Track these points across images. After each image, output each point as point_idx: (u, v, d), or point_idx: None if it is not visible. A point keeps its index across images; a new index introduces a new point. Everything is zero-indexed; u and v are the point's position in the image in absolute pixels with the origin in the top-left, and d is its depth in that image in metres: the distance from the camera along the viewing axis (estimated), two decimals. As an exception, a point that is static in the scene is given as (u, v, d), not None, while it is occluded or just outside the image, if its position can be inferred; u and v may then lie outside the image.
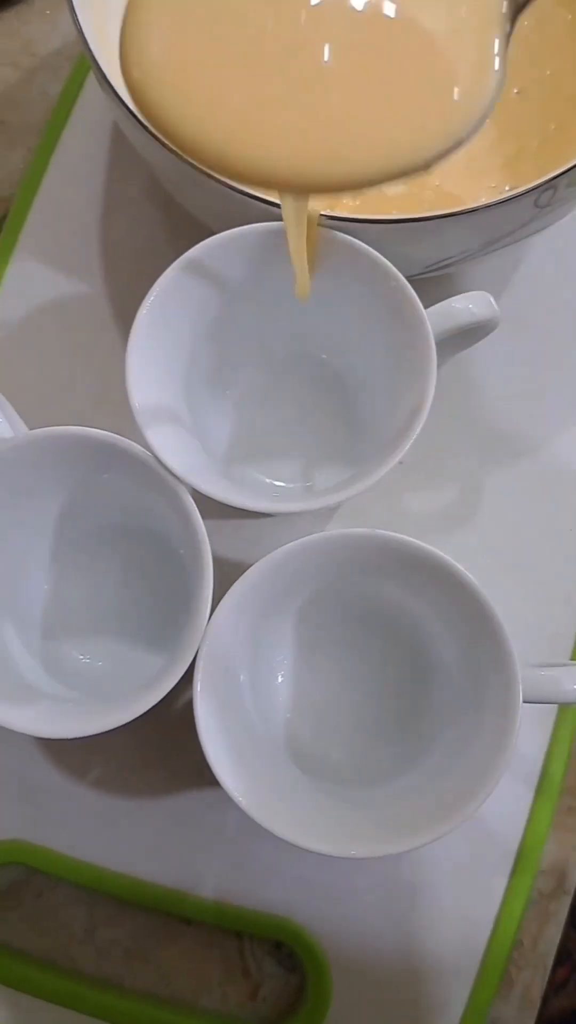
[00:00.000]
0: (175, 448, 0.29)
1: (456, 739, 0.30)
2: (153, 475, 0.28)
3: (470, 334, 0.30)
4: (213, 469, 0.32)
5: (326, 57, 0.18)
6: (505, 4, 0.19)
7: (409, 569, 0.29)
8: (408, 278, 0.29)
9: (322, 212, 0.28)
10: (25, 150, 0.41)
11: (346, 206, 0.33)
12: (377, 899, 0.34)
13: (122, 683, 0.31)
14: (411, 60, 0.19)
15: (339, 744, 0.33)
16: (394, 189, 0.32)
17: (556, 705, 0.35)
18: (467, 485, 0.37)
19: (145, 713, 0.27)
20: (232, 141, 0.19)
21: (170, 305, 0.30)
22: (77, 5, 0.29)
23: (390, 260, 0.29)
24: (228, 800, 0.27)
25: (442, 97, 0.19)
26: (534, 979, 0.34)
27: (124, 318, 0.38)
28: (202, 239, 0.29)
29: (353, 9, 0.18)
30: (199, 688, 0.27)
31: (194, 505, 0.28)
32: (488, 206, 0.27)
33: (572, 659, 0.35)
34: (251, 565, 0.28)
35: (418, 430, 0.28)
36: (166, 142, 0.26)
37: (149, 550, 0.34)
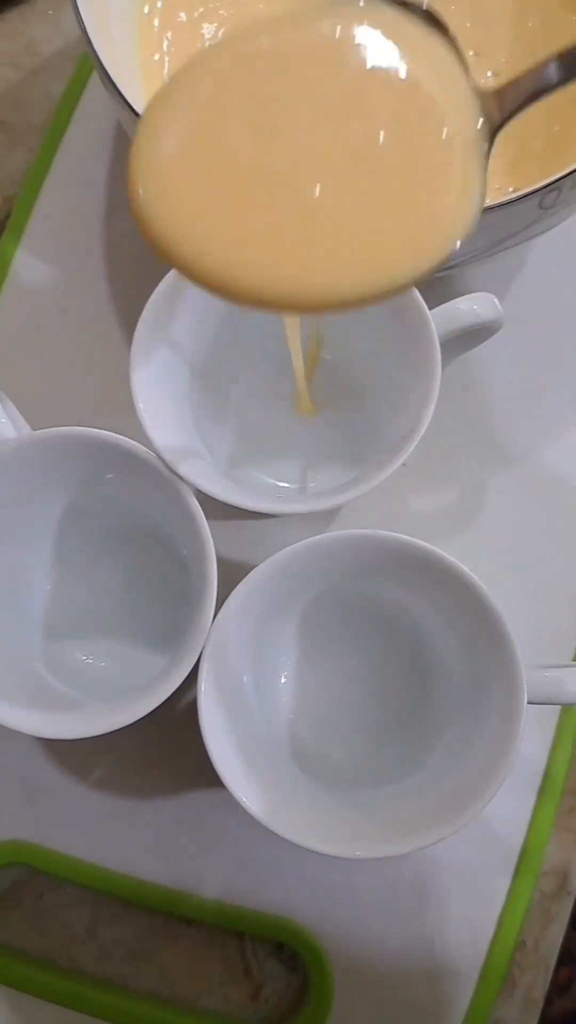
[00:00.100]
0: (178, 448, 0.29)
1: (458, 740, 0.30)
2: (157, 475, 0.28)
3: (474, 335, 0.30)
4: (216, 470, 0.32)
5: (317, 192, 0.20)
6: (481, 124, 0.21)
7: (412, 570, 0.29)
8: (412, 279, 0.29)
9: None
10: (27, 150, 0.41)
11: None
12: (379, 899, 0.34)
13: (125, 684, 0.31)
14: (399, 191, 0.20)
15: (342, 744, 0.33)
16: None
17: (559, 706, 0.35)
18: (470, 486, 0.37)
19: (148, 714, 0.27)
20: (234, 267, 0.20)
21: (173, 305, 0.30)
22: (80, 5, 0.29)
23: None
24: (231, 800, 0.27)
25: (429, 224, 0.20)
26: (536, 980, 0.34)
27: (127, 318, 0.38)
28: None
29: (345, 142, 0.20)
30: (203, 689, 0.27)
31: (198, 506, 0.28)
32: (492, 208, 0.27)
33: (575, 660, 0.35)
34: (255, 566, 0.28)
35: (423, 432, 0.28)
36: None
37: (152, 551, 0.34)
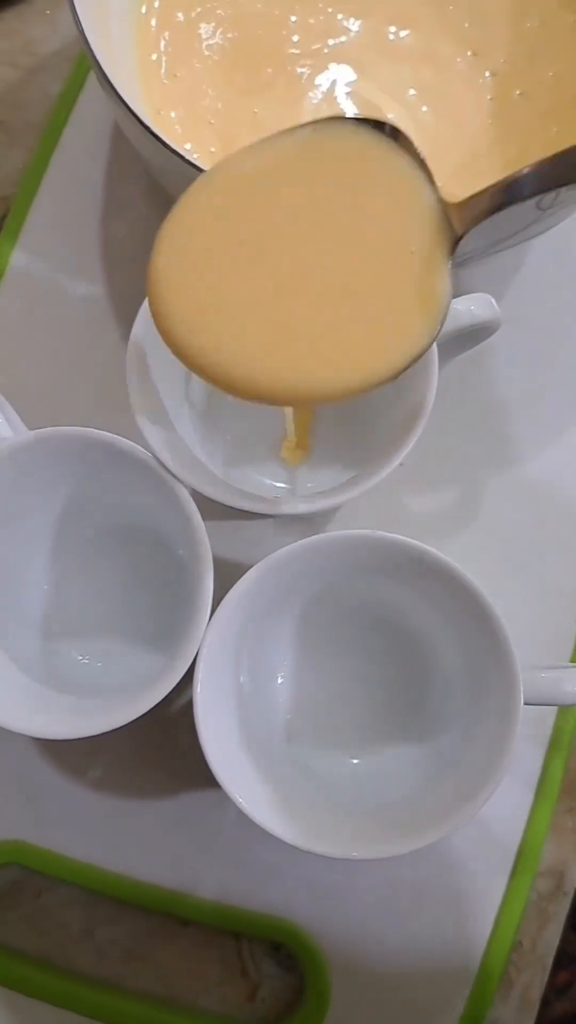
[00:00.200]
0: (175, 449, 0.29)
1: (456, 740, 0.30)
2: (153, 476, 0.28)
3: (472, 336, 0.30)
4: (213, 470, 0.32)
5: (305, 314, 0.24)
6: (444, 236, 0.24)
7: (409, 570, 0.29)
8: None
9: None
10: (25, 150, 0.40)
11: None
12: (376, 900, 0.34)
13: (122, 684, 0.31)
14: (371, 309, 0.24)
15: (338, 745, 0.33)
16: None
17: (556, 707, 0.35)
18: (467, 486, 0.37)
19: (145, 714, 0.27)
20: (238, 367, 0.25)
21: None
22: (78, 5, 0.29)
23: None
24: (227, 801, 0.27)
25: (403, 326, 0.25)
26: (533, 980, 0.34)
27: (124, 318, 0.38)
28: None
29: (325, 270, 0.24)
30: (199, 689, 0.27)
31: (195, 506, 0.28)
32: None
33: (572, 661, 0.35)
34: (251, 566, 0.28)
35: (419, 433, 0.28)
36: (168, 143, 0.27)
37: (149, 551, 0.34)
